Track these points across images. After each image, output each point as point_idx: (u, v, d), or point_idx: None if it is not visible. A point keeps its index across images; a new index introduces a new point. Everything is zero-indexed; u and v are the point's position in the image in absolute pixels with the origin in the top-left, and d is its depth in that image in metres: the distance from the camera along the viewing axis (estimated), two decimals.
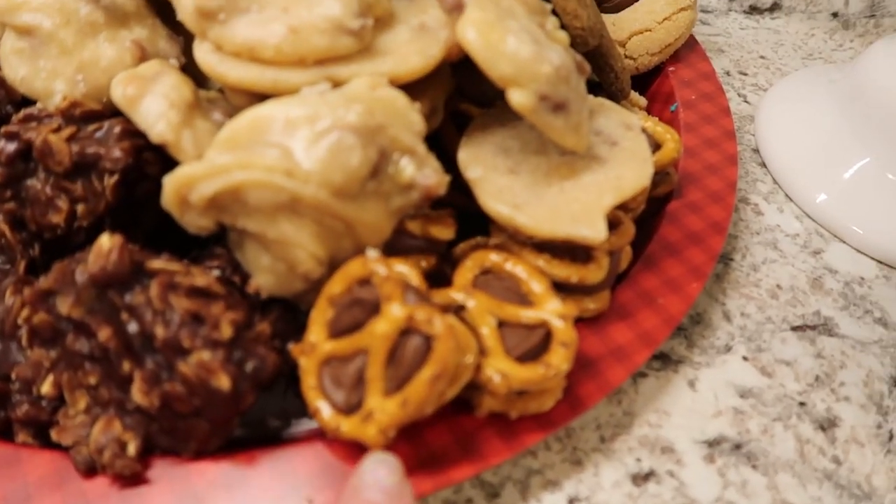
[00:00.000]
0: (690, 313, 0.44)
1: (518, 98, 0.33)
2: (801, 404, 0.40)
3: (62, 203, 0.32)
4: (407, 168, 0.32)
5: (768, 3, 0.71)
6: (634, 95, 0.54)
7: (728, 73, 0.64)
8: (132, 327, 0.29)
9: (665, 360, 0.42)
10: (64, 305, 0.29)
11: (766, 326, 0.44)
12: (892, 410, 0.41)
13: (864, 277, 0.48)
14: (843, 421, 0.40)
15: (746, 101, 0.61)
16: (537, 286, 0.35)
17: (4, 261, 0.36)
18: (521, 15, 0.36)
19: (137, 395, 0.29)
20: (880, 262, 0.49)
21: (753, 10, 0.71)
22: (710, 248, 0.43)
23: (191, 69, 0.37)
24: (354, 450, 0.31)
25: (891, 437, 0.39)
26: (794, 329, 0.44)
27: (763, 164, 0.55)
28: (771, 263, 0.48)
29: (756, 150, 0.56)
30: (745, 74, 0.64)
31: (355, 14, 0.33)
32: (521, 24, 0.34)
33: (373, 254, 0.31)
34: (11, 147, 0.32)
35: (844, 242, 0.50)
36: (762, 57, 0.66)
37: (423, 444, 0.32)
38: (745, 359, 0.42)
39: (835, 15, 0.69)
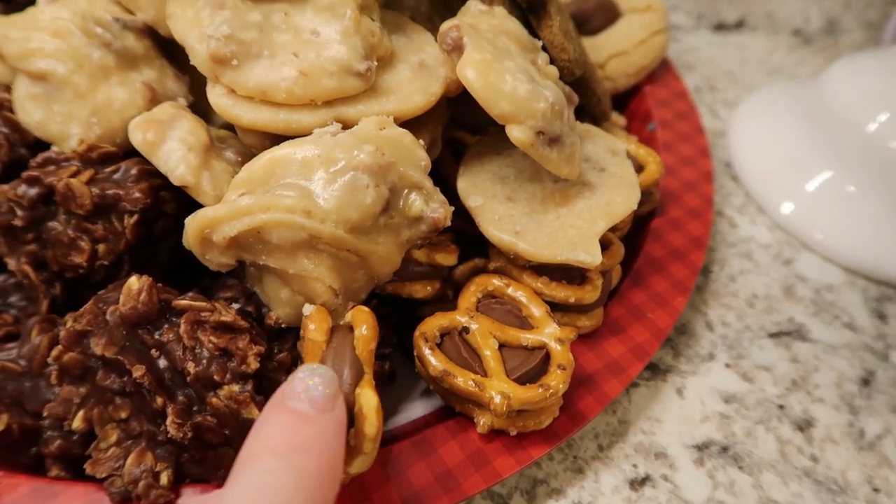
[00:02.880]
0: (676, 324, 0.47)
1: (517, 134, 0.35)
2: (780, 407, 0.43)
3: (84, 244, 0.33)
4: (416, 203, 0.34)
5: (733, 20, 0.74)
6: (615, 115, 0.56)
7: (699, 90, 0.67)
8: (162, 363, 0.31)
9: (654, 370, 0.44)
10: (98, 346, 0.30)
11: (745, 334, 0.47)
12: (862, 409, 0.44)
13: (832, 284, 0.51)
14: (818, 421, 0.43)
15: (718, 117, 0.64)
16: (537, 310, 0.37)
17: (21, 298, 0.37)
18: (516, 53, 0.38)
19: (171, 427, 0.30)
20: (846, 268, 0.53)
21: (720, 27, 0.75)
22: (693, 263, 0.46)
23: (198, 106, 0.39)
24: (369, 474, 0.33)
25: (862, 435, 0.43)
26: (771, 336, 0.47)
27: (735, 178, 0.59)
28: (747, 273, 0.51)
29: (729, 165, 0.60)
30: (715, 90, 0.67)
31: (361, 57, 0.35)
32: (516, 64, 0.37)
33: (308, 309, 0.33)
34: (33, 192, 0.33)
35: (812, 251, 0.54)
36: (730, 73, 0.69)
37: (437, 462, 0.34)
38: (727, 366, 0.45)
39: (796, 32, 0.73)
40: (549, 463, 0.39)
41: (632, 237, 0.47)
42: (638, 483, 0.39)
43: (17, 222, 0.33)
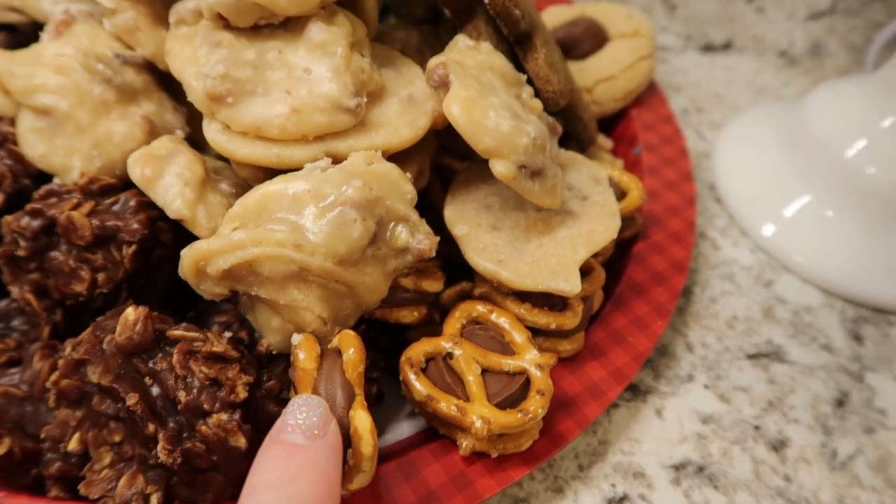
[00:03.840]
0: (657, 346, 0.49)
1: (500, 168, 0.37)
2: (756, 427, 0.45)
3: (85, 273, 0.35)
4: (402, 234, 0.36)
5: (721, 41, 0.76)
6: (601, 138, 0.58)
7: (686, 111, 0.69)
8: (155, 390, 0.32)
9: (635, 391, 0.46)
10: (94, 374, 0.32)
11: (724, 356, 0.49)
12: (836, 430, 0.45)
13: (810, 306, 0.53)
14: (792, 441, 0.44)
15: (704, 138, 0.66)
16: (519, 336, 0.39)
17: (24, 322, 0.38)
18: (500, 89, 0.39)
19: (162, 453, 0.32)
20: (824, 290, 0.54)
21: (708, 48, 0.76)
22: (673, 286, 0.47)
23: (195, 137, 0.40)
24: (355, 497, 0.34)
25: (835, 455, 0.44)
26: (749, 357, 0.49)
27: (719, 200, 0.60)
28: (728, 295, 0.53)
29: (713, 187, 0.61)
30: (702, 111, 0.69)
31: (351, 94, 0.37)
32: (500, 99, 0.38)
33: (297, 339, 0.35)
34: (36, 223, 0.34)
35: (792, 273, 0.55)
36: (717, 94, 0.71)
37: (421, 484, 0.35)
38: (706, 387, 0.47)
39: (782, 54, 0.74)
40: (530, 482, 0.41)
41: (614, 261, 0.49)
42: (616, 502, 0.40)
43: (21, 252, 0.35)
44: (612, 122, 0.61)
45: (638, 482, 0.41)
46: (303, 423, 0.29)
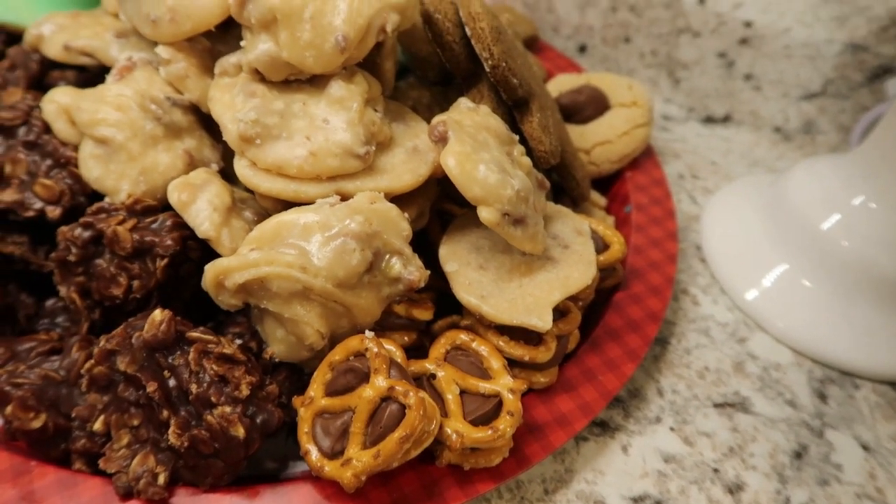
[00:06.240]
0: (629, 388, 0.53)
1: (486, 215, 0.42)
2: (715, 470, 0.48)
3: (122, 279, 0.41)
4: (395, 266, 0.41)
5: (721, 114, 0.81)
6: (595, 196, 0.63)
7: (682, 177, 0.74)
8: (171, 382, 0.37)
9: (604, 427, 0.50)
10: (122, 363, 0.37)
11: (692, 402, 0.52)
12: (791, 480, 0.49)
13: (779, 363, 0.56)
14: (748, 486, 0.48)
15: (696, 203, 0.71)
16: (495, 363, 0.43)
17: (66, 319, 0.44)
18: (493, 146, 0.45)
19: (172, 436, 0.37)
20: (795, 351, 0.58)
21: (708, 120, 0.82)
22: (646, 334, 0.52)
23: (228, 171, 0.47)
24: (338, 488, 0.39)
25: (787, 502, 0.47)
26: (716, 406, 0.52)
27: (703, 260, 0.64)
28: (702, 348, 0.57)
29: (699, 247, 0.66)
30: (697, 178, 0.74)
31: (362, 143, 0.43)
32: (491, 155, 0.44)
33: (369, 334, 0.40)
34: (86, 234, 0.41)
35: (766, 332, 0.59)
36: (713, 162, 0.76)
37: (395, 488, 0.40)
38: (671, 429, 0.50)
39: (777, 129, 0.79)
40: (498, 501, 0.44)
41: (595, 308, 0.54)
42: None
43: (71, 258, 0.41)
44: (607, 182, 0.66)
45: None
46: None
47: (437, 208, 0.52)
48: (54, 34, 0.49)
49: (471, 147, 0.43)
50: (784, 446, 0.51)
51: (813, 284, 0.59)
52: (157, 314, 0.38)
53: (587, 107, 0.67)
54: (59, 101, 0.44)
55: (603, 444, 0.49)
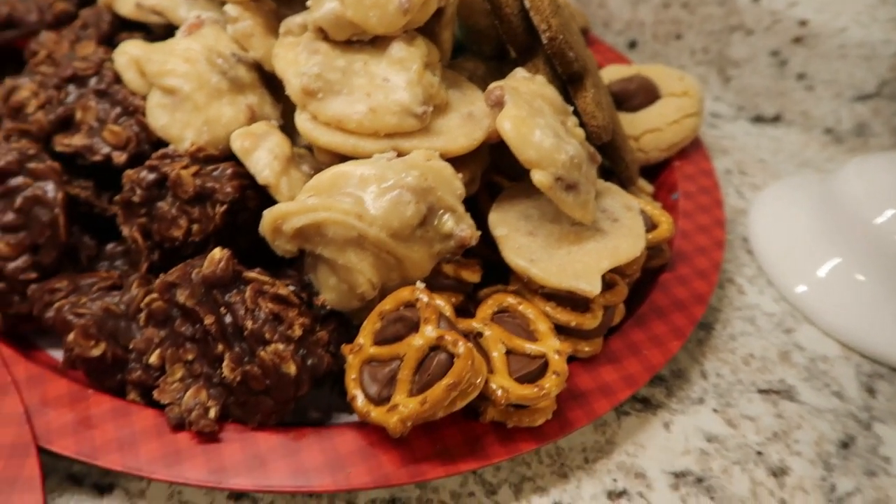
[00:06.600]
0: (672, 368, 0.52)
1: (539, 177, 0.42)
2: (759, 453, 0.47)
3: (183, 222, 0.42)
4: (448, 222, 0.42)
5: (771, 114, 0.81)
6: (642, 182, 0.63)
7: (729, 172, 0.73)
8: (227, 319, 0.38)
9: (646, 404, 0.49)
10: (181, 296, 0.38)
11: (736, 387, 0.52)
12: (837, 468, 0.47)
13: (827, 356, 0.55)
14: (793, 471, 0.47)
15: (743, 197, 0.70)
16: (542, 326, 0.43)
17: (125, 262, 0.46)
18: (548, 114, 0.45)
19: (226, 369, 0.37)
20: (845, 345, 0.57)
21: (758, 119, 0.81)
22: (692, 314, 0.51)
23: (286, 128, 0.48)
24: (382, 436, 0.39)
25: (833, 489, 0.46)
26: (760, 391, 0.52)
27: (750, 252, 0.64)
28: (747, 335, 0.56)
29: (746, 240, 0.65)
30: (745, 174, 0.73)
31: (420, 102, 0.43)
32: (546, 121, 0.44)
33: (420, 285, 0.40)
34: (151, 176, 0.42)
35: (814, 325, 0.58)
36: (761, 160, 0.75)
37: (438, 440, 0.40)
38: (714, 411, 0.50)
39: (828, 131, 0.78)
40: (538, 465, 0.44)
41: (641, 286, 0.53)
42: (615, 495, 0.44)
43: (135, 199, 0.42)
44: (655, 170, 0.66)
45: (639, 481, 0.45)
46: None
47: (487, 180, 0.53)
48: None
49: (527, 112, 0.44)
50: (830, 436, 0.50)
51: (866, 278, 0.58)
52: (217, 252, 0.39)
53: (637, 95, 0.67)
54: (131, 53, 0.46)
55: (644, 420, 0.48)
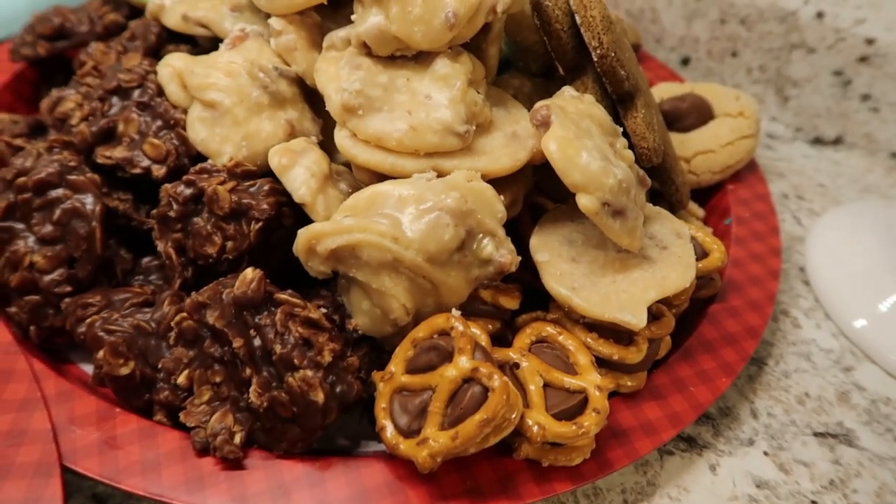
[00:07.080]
0: (720, 406, 0.49)
1: (585, 202, 0.40)
2: (813, 503, 0.44)
3: (217, 239, 0.41)
4: (487, 247, 0.40)
5: (832, 136, 0.77)
6: (693, 206, 0.60)
7: (786, 196, 0.70)
8: (257, 342, 0.37)
9: (692, 444, 0.47)
10: (211, 317, 0.37)
11: (789, 428, 0.49)
12: None
13: (890, 398, 0.52)
14: None
15: (800, 224, 0.67)
16: (583, 359, 0.41)
17: (159, 277, 0.45)
18: (596, 135, 0.43)
19: (253, 395, 0.36)
20: None
21: (817, 141, 0.77)
22: (744, 349, 0.48)
23: (325, 145, 0.47)
24: (410, 470, 0.38)
25: None
26: (816, 434, 0.48)
27: (807, 283, 0.60)
28: (802, 373, 0.53)
29: (802, 269, 0.62)
30: (802, 199, 0.70)
31: (463, 121, 0.42)
32: (594, 143, 0.42)
33: (456, 313, 0.39)
34: (188, 191, 0.41)
35: (876, 364, 0.54)
36: (820, 185, 0.71)
37: (469, 476, 0.38)
38: (765, 454, 0.47)
39: (894, 155, 0.74)
40: None
41: (689, 317, 0.51)
42: None
43: (172, 213, 0.41)
44: (707, 193, 0.63)
45: None
46: None
47: (530, 202, 0.51)
48: (175, 4, 0.51)
49: (573, 133, 0.42)
50: (893, 486, 0.46)
51: None
52: (249, 272, 0.38)
53: (690, 115, 0.64)
54: (174, 65, 0.46)
55: (689, 461, 0.46)
